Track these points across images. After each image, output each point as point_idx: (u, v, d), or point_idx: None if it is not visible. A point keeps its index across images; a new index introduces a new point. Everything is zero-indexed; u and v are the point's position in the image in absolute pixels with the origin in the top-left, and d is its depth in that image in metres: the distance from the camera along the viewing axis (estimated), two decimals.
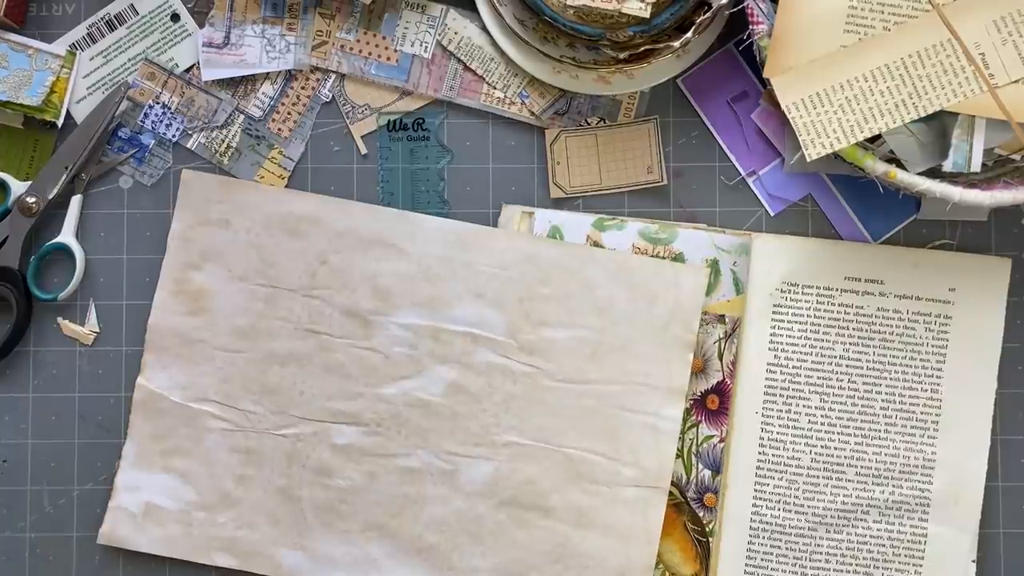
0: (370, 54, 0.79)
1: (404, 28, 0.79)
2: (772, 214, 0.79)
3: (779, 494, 0.77)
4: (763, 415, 0.77)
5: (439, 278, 0.77)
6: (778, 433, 0.77)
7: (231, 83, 0.79)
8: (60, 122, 0.79)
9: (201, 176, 0.79)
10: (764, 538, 0.77)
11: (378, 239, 0.78)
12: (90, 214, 0.80)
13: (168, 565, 0.78)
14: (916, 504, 0.76)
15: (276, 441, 0.77)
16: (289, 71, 0.79)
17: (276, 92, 0.79)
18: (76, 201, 0.79)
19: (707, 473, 0.77)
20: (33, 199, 0.78)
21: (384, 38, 0.79)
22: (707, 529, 0.77)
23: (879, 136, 0.72)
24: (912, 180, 0.70)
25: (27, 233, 0.78)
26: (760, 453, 0.77)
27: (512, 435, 0.77)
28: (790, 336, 0.77)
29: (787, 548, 0.77)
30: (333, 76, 0.79)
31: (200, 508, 0.77)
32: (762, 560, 0.77)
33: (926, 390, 0.77)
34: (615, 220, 0.78)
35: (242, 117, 0.80)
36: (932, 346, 0.77)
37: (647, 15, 0.72)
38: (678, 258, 0.78)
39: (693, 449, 0.78)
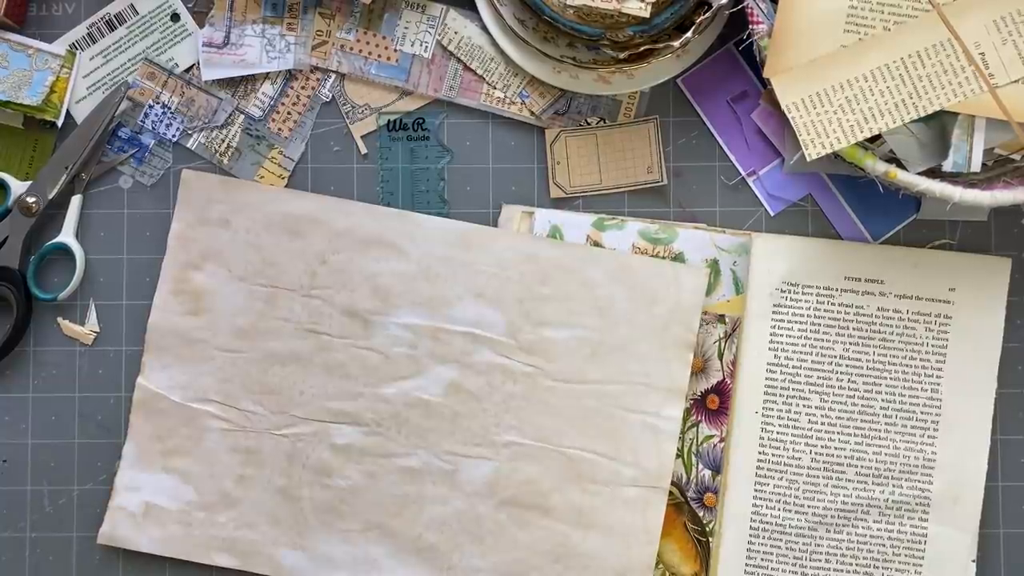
0: (370, 54, 0.79)
1: (404, 28, 0.79)
2: (772, 214, 0.79)
3: (779, 494, 0.77)
4: (763, 415, 0.77)
5: (439, 278, 0.77)
6: (778, 433, 0.77)
7: (231, 83, 0.79)
8: (60, 122, 0.79)
9: (201, 176, 0.79)
10: (764, 538, 0.77)
11: (378, 239, 0.78)
12: (90, 214, 0.80)
13: (168, 565, 0.78)
14: (916, 504, 0.76)
15: (276, 441, 0.77)
16: (289, 71, 0.79)
17: (276, 92, 0.79)
18: (76, 201, 0.79)
19: (707, 473, 0.77)
20: (33, 199, 0.78)
21: (384, 38, 0.79)
22: (707, 529, 0.77)
23: (879, 136, 0.72)
24: (912, 180, 0.70)
25: (27, 233, 0.78)
26: (760, 453, 0.77)
27: (512, 435, 0.77)
28: (790, 336, 0.77)
29: (787, 548, 0.77)
30: (333, 76, 0.79)
31: (200, 508, 0.77)
32: (762, 560, 0.77)
33: (926, 390, 0.77)
34: (615, 220, 0.78)
35: (242, 117, 0.80)
36: (932, 346, 0.77)
37: (647, 15, 0.72)
38: (678, 258, 0.78)
39: (693, 449, 0.78)
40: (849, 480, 0.76)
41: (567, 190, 0.79)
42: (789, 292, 0.77)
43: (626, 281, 0.77)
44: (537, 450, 0.77)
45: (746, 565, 0.77)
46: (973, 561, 0.76)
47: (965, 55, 0.69)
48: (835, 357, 0.77)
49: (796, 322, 0.77)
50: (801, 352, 0.77)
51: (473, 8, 0.78)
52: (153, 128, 0.80)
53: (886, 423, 0.77)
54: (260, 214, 0.78)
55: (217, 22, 0.79)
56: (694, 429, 0.78)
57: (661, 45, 0.74)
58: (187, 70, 0.80)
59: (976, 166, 0.71)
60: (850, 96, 0.70)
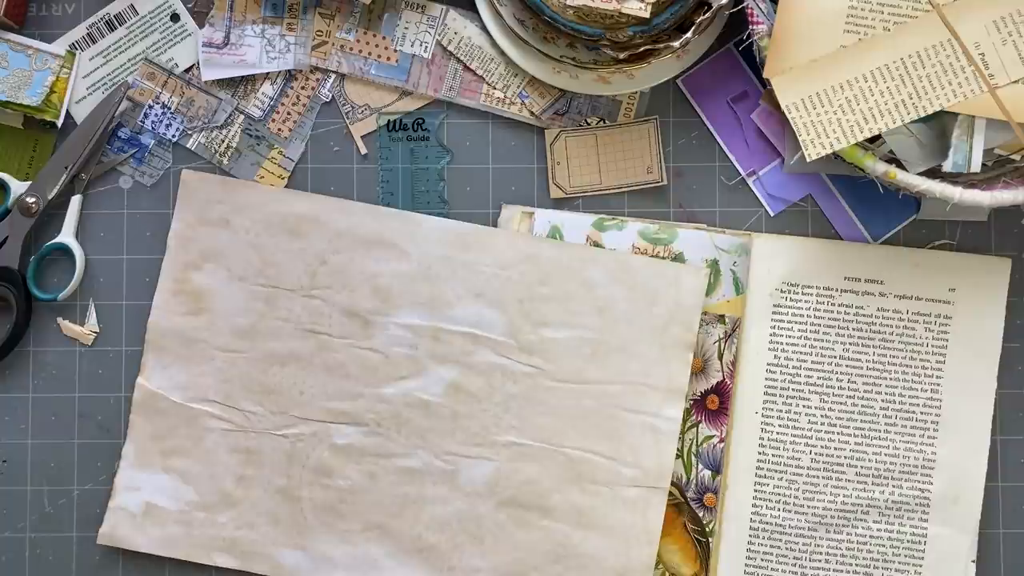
0: (370, 54, 0.79)
1: (404, 28, 0.79)
2: (772, 214, 0.79)
3: (779, 494, 0.77)
4: (763, 415, 0.77)
5: (439, 278, 0.77)
6: (778, 433, 0.77)
7: (231, 83, 0.79)
8: (60, 122, 0.79)
9: (201, 176, 0.79)
10: (764, 538, 0.77)
11: (378, 239, 0.78)
12: (90, 214, 0.80)
13: (168, 565, 0.78)
14: (916, 504, 0.76)
15: (276, 441, 0.77)
16: (289, 71, 0.79)
17: (276, 92, 0.79)
18: (76, 201, 0.79)
19: (707, 473, 0.77)
20: (33, 199, 0.78)
21: (384, 38, 0.79)
22: (707, 529, 0.77)
23: (879, 136, 0.72)
24: (912, 180, 0.70)
25: (27, 233, 0.78)
26: (760, 453, 0.77)
27: (512, 435, 0.77)
28: (790, 336, 0.77)
29: (787, 548, 0.77)
30: (333, 76, 0.79)
31: (200, 508, 0.77)
32: (762, 560, 0.77)
33: (926, 390, 0.77)
34: (615, 220, 0.78)
35: (242, 117, 0.80)
36: (932, 346, 0.77)
37: (647, 15, 0.72)
38: (678, 258, 0.78)
39: (693, 449, 0.78)
40: (849, 480, 0.76)
41: (567, 190, 0.79)
42: (789, 292, 0.77)
43: (626, 281, 0.77)
44: (537, 450, 0.77)
45: (746, 565, 0.77)
46: (973, 562, 0.76)
47: (965, 55, 0.69)
48: (835, 357, 0.77)
49: (796, 322, 0.77)
50: (801, 352, 0.77)
51: (473, 8, 0.78)
52: (153, 128, 0.80)
53: (886, 423, 0.77)
54: (260, 214, 0.78)
55: (217, 22, 0.79)
56: (694, 429, 0.78)
57: (661, 45, 0.74)
58: (187, 70, 0.80)
59: (976, 166, 0.71)
60: (850, 96, 0.70)
